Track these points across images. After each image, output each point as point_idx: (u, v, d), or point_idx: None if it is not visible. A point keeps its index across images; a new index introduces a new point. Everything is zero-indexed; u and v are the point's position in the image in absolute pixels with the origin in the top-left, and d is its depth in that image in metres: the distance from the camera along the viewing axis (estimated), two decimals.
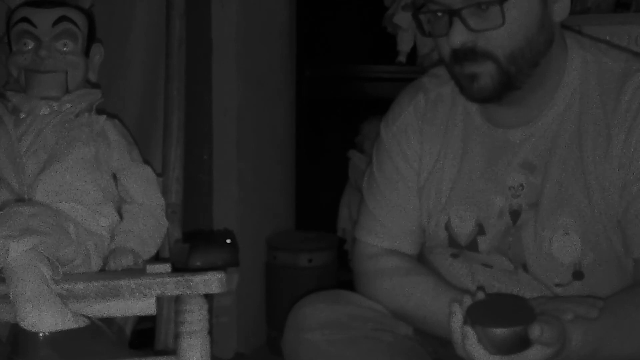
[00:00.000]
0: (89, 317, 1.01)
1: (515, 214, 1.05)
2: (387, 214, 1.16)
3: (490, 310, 0.89)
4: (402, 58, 2.31)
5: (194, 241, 1.11)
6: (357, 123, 2.32)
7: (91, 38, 1.25)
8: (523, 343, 0.85)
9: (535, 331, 0.85)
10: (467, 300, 0.91)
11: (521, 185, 1.05)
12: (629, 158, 0.98)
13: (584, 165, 1.01)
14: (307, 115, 2.45)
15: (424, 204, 1.13)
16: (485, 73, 0.98)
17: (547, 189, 1.02)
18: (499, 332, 0.85)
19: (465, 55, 0.97)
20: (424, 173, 1.13)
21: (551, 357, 0.88)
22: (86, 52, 1.24)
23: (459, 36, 0.96)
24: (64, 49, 1.20)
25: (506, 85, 0.99)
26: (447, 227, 1.10)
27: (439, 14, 0.98)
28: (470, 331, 0.87)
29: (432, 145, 1.13)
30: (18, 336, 0.97)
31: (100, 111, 1.24)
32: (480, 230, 1.07)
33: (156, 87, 1.37)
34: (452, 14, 0.95)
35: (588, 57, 1.04)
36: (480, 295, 0.94)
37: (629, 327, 0.95)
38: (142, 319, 1.19)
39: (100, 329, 1.01)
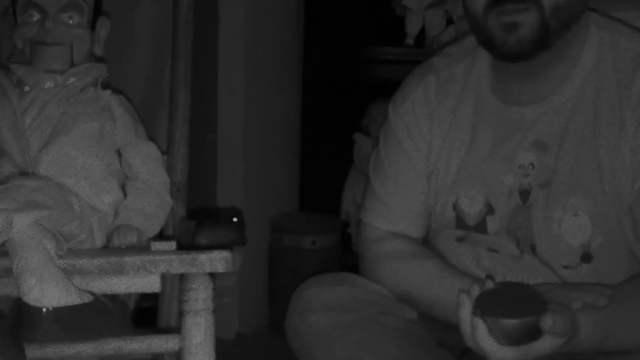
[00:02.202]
0: (93, 293, 1.00)
1: (525, 194, 1.04)
2: (393, 196, 1.15)
3: (499, 300, 0.88)
4: (410, 40, 2.29)
5: (201, 219, 1.10)
6: (364, 105, 2.31)
7: (97, 11, 1.24)
8: (534, 333, 0.84)
9: (547, 322, 0.84)
10: (475, 290, 0.90)
11: (531, 164, 1.04)
12: None
13: (598, 147, 1.00)
14: (313, 96, 2.44)
15: (432, 185, 1.12)
16: (527, 23, 0.96)
17: (559, 169, 1.02)
18: (510, 323, 0.84)
19: None
20: (433, 154, 1.12)
21: (561, 347, 0.87)
22: (92, 26, 1.23)
23: None
24: (70, 22, 1.19)
25: (543, 41, 0.98)
26: (455, 207, 1.09)
27: None
28: (480, 323, 0.86)
29: (441, 126, 1.12)
30: (21, 310, 0.96)
31: (105, 86, 1.23)
32: (490, 209, 1.06)
33: (163, 64, 1.36)
34: None
35: (605, 36, 1.03)
36: (489, 285, 0.93)
37: (637, 317, 0.94)
38: (144, 297, 1.19)
39: (104, 305, 1.01)
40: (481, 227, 1.07)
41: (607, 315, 0.92)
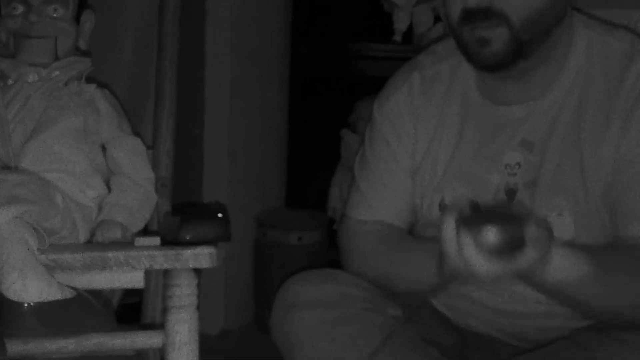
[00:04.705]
0: (75, 289, 0.99)
1: (511, 193, 1.04)
2: (377, 192, 1.15)
3: (480, 217, 0.86)
4: (398, 37, 2.28)
5: (185, 214, 1.10)
6: (351, 102, 2.30)
7: (82, 4, 1.23)
8: (517, 245, 0.83)
9: (531, 229, 0.83)
10: (454, 210, 0.87)
11: (518, 163, 1.04)
12: (626, 142, 0.97)
13: (581, 146, 1.00)
14: (300, 92, 2.43)
15: (418, 184, 1.12)
16: (497, 38, 0.96)
17: (544, 168, 1.02)
18: (497, 230, 0.82)
19: (478, 16, 0.95)
20: (419, 153, 1.12)
21: (543, 258, 0.86)
22: (77, 19, 1.22)
23: None
24: (55, 15, 1.18)
25: (517, 53, 0.97)
26: (442, 206, 1.09)
27: None
28: (466, 236, 0.84)
29: (427, 125, 1.12)
30: (2, 306, 0.95)
31: (90, 80, 1.22)
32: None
33: (148, 58, 1.35)
34: None
35: (593, 36, 1.03)
36: (466, 209, 0.90)
37: (611, 278, 0.93)
38: (129, 293, 1.18)
39: (86, 301, 1.00)
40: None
41: (583, 259, 0.91)
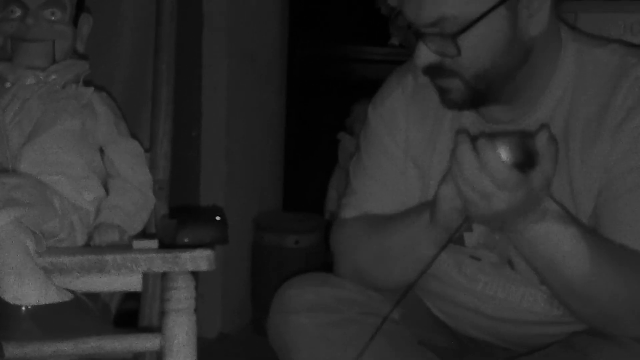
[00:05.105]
0: (72, 292, 0.99)
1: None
2: (367, 188, 1.14)
3: (493, 138, 0.87)
4: (395, 40, 2.29)
5: (182, 217, 1.10)
6: (349, 105, 2.30)
7: (80, 7, 1.23)
8: (530, 159, 0.85)
9: (543, 136, 0.84)
10: (467, 136, 0.88)
11: None
12: (614, 158, 0.96)
13: (570, 161, 0.99)
14: (298, 95, 2.43)
15: (411, 193, 1.11)
16: (455, 88, 0.98)
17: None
18: (511, 144, 0.84)
19: (434, 72, 0.97)
20: (410, 159, 1.11)
21: (551, 175, 0.87)
22: (74, 22, 1.21)
23: (424, 57, 0.96)
24: (52, 18, 1.18)
25: (478, 99, 0.99)
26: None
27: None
28: (489, 149, 0.84)
29: (418, 131, 1.11)
30: (0, 309, 0.95)
31: (87, 83, 1.22)
32: (467, 227, 1.06)
33: (145, 61, 1.35)
34: (418, 36, 0.95)
35: (583, 50, 1.01)
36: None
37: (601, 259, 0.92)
38: (127, 297, 1.18)
39: (84, 304, 1.00)
40: (460, 241, 1.07)
41: (578, 229, 0.91)
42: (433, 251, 0.99)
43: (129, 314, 1.21)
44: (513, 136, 0.85)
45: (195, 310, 1.04)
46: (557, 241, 0.91)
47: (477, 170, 0.85)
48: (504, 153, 0.84)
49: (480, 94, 0.98)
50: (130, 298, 1.17)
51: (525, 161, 0.85)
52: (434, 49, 0.95)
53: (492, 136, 0.86)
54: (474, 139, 0.86)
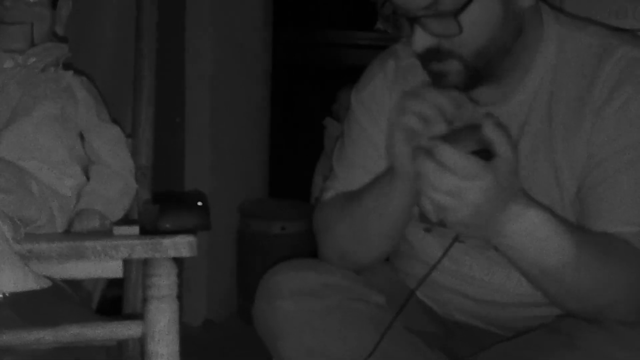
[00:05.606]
0: (51, 279, 0.98)
1: None
2: (349, 171, 1.14)
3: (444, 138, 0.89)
4: (381, 25, 2.27)
5: (164, 203, 1.08)
6: (334, 90, 2.29)
7: None
8: (487, 148, 0.86)
9: (488, 124, 0.85)
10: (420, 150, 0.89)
11: None
12: (596, 140, 0.96)
13: (553, 145, 0.99)
14: (283, 81, 2.42)
15: None
16: (453, 71, 0.96)
17: (518, 169, 1.00)
18: (460, 135, 0.87)
19: (430, 56, 0.96)
20: None
21: (513, 158, 0.87)
22: (53, 4, 1.20)
23: (421, 41, 0.95)
24: (30, 0, 1.15)
25: (477, 77, 0.98)
26: (418, 203, 1.08)
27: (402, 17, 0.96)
28: (440, 147, 0.85)
29: None
30: None
31: (67, 67, 1.21)
32: (460, 240, 1.04)
33: (127, 45, 1.33)
34: (413, 20, 0.94)
35: (565, 33, 1.01)
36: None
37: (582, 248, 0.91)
38: (111, 284, 1.17)
39: (63, 291, 0.99)
40: (443, 223, 1.06)
41: (557, 220, 0.91)
42: (403, 203, 1.02)
43: (113, 300, 1.20)
44: (461, 131, 0.88)
45: (178, 297, 1.03)
46: (542, 234, 0.90)
47: (439, 172, 0.85)
48: (458, 147, 0.86)
49: (477, 74, 0.97)
50: (115, 285, 1.15)
51: (482, 150, 0.86)
52: (433, 31, 0.93)
53: (444, 137, 0.88)
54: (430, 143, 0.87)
